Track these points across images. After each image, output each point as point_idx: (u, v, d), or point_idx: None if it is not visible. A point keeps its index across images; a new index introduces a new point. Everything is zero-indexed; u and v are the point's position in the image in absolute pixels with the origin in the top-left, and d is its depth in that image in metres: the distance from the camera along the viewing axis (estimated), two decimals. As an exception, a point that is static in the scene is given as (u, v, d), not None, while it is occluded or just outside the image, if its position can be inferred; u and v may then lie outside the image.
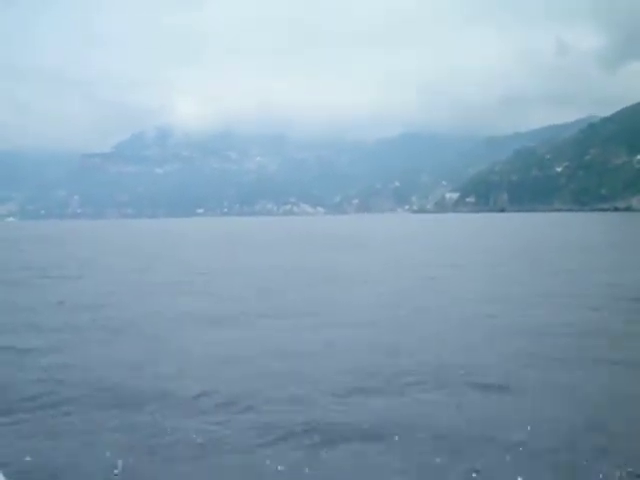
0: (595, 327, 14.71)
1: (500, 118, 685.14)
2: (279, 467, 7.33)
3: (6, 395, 10.05)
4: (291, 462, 7.46)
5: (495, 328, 14.82)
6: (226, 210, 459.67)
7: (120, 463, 7.43)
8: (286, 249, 50.12)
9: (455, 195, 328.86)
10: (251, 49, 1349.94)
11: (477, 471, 7.09)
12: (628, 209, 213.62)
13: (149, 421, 8.81)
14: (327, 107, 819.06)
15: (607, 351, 12.38)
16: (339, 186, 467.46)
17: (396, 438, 8.08)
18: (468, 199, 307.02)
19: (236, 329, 15.43)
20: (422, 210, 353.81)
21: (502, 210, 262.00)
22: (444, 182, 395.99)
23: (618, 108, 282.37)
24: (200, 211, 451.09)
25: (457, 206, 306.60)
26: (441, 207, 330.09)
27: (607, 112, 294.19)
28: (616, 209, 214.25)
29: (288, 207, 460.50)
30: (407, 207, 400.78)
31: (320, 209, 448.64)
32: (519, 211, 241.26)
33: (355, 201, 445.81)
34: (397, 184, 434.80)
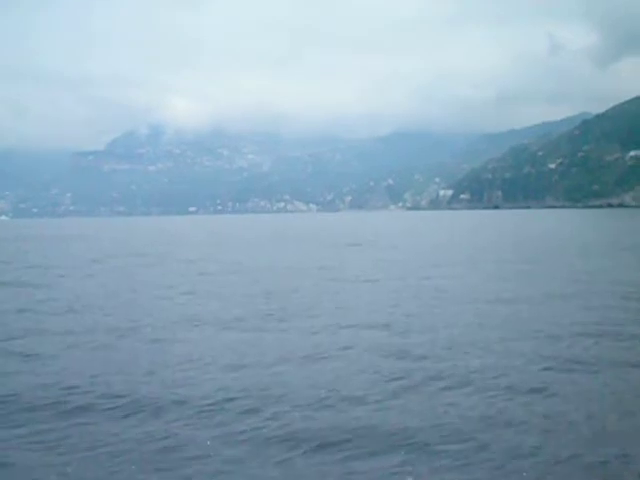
0: (611, 329, 14.57)
1: (494, 116, 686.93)
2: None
3: (18, 401, 9.77)
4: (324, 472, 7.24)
5: (509, 329, 14.63)
6: (219, 208, 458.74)
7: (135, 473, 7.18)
8: (281, 247, 49.83)
9: (449, 192, 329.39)
10: (246, 50, 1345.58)
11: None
12: (621, 205, 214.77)
13: (163, 430, 8.55)
14: (320, 105, 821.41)
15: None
16: (332, 184, 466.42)
17: (425, 442, 7.85)
18: (462, 196, 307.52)
19: (245, 332, 15.13)
20: (416, 207, 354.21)
21: (496, 207, 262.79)
22: (437, 179, 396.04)
23: (611, 105, 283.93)
24: (193, 209, 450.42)
25: (451, 203, 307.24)
26: (435, 204, 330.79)
27: (600, 109, 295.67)
28: (609, 205, 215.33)
29: (281, 205, 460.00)
30: (400, 204, 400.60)
31: (313, 206, 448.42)
32: (513, 208, 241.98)
33: (348, 198, 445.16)
34: (390, 182, 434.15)
